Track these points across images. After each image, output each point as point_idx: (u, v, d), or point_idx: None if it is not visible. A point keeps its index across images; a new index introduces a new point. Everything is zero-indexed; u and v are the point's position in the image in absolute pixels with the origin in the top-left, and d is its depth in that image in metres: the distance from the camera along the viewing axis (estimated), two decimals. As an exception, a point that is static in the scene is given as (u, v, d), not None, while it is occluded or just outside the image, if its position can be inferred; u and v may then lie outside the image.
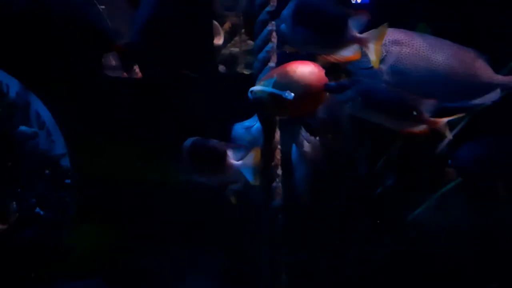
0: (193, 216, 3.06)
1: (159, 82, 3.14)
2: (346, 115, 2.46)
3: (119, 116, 3.14)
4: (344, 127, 2.53)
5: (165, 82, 3.12)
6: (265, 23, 2.42)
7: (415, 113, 2.15)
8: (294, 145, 2.69)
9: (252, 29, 2.45)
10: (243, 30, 3.35)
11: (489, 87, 2.26)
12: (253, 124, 2.67)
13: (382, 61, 2.24)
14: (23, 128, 2.96)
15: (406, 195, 2.71)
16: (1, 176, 2.89)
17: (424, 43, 2.25)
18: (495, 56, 2.30)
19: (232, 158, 2.42)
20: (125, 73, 3.28)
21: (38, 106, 3.07)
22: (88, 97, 3.11)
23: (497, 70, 2.30)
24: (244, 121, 2.71)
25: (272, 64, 2.43)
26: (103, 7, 3.23)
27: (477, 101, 2.26)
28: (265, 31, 2.43)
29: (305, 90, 2.24)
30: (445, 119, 2.16)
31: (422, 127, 2.19)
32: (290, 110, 2.32)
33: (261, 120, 2.48)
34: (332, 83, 2.26)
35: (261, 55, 2.44)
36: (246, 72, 3.30)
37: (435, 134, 2.19)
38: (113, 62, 3.31)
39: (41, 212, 2.92)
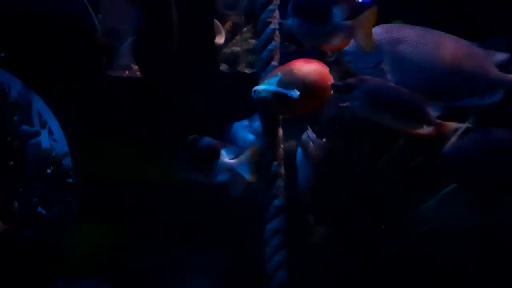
0: (193, 216, 3.05)
1: (158, 81, 3.14)
2: (351, 115, 2.45)
3: (121, 115, 3.14)
4: (348, 128, 2.53)
5: (164, 81, 3.12)
6: (267, 22, 2.42)
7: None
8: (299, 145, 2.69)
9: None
10: (244, 29, 3.35)
11: (494, 85, 2.24)
12: (253, 122, 2.67)
13: (384, 60, 2.24)
14: (25, 127, 2.95)
15: (408, 195, 2.71)
16: (3, 175, 2.88)
17: (427, 40, 2.24)
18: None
19: (227, 157, 2.43)
20: (126, 72, 3.28)
21: (40, 106, 3.06)
22: (90, 96, 3.11)
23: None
24: (244, 120, 2.70)
25: (275, 63, 2.43)
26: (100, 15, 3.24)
27: (481, 100, 2.25)
28: (268, 30, 2.43)
29: (310, 89, 2.23)
30: (454, 124, 2.16)
31: (428, 129, 2.18)
32: (295, 109, 2.31)
33: (264, 119, 2.48)
34: (339, 83, 2.26)
35: (264, 54, 2.44)
36: (247, 71, 3.29)
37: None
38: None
39: (43, 212, 2.91)
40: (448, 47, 2.23)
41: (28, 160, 2.91)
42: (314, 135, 2.61)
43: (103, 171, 3.17)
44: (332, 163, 2.66)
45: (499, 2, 2.66)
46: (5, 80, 3.00)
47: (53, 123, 3.07)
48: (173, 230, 3.09)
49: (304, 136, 2.64)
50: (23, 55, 3.09)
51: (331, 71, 2.32)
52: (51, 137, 3.06)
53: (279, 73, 2.30)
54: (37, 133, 2.98)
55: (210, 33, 3.25)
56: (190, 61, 3.12)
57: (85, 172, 3.09)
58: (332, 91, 2.27)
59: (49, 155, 2.98)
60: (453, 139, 2.20)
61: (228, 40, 3.36)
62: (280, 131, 2.50)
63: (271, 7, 2.41)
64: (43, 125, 3.05)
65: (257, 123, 2.64)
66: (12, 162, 2.89)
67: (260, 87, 2.32)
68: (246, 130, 2.70)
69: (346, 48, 2.25)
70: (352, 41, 2.22)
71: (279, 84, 2.26)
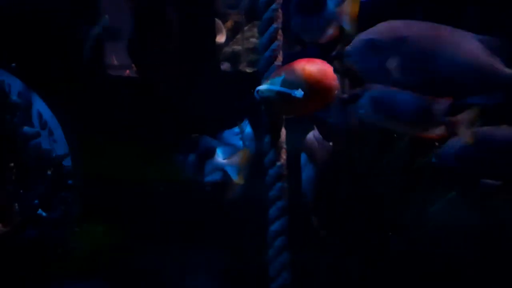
0: (193, 216, 3.05)
1: (154, 80, 3.14)
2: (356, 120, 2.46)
3: (122, 116, 3.13)
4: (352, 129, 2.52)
5: (161, 81, 3.12)
6: (270, 21, 2.40)
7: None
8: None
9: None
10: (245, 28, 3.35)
11: (503, 81, 2.20)
12: (243, 130, 2.66)
13: (388, 59, 2.21)
14: (25, 128, 2.94)
15: (409, 195, 2.70)
16: (4, 177, 2.87)
17: (432, 35, 2.20)
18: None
19: (220, 157, 2.44)
20: (127, 71, 3.28)
21: (40, 106, 3.05)
22: (90, 97, 3.10)
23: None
24: (234, 128, 2.69)
25: (278, 62, 2.41)
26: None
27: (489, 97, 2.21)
28: (270, 29, 2.40)
29: (314, 88, 2.21)
30: (463, 117, 2.13)
31: (440, 130, 2.16)
32: (298, 109, 2.29)
33: (267, 119, 2.46)
34: (345, 95, 2.27)
35: (267, 53, 2.42)
36: (248, 70, 3.29)
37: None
38: (115, 62, 3.30)
39: (44, 214, 2.90)
40: (454, 41, 2.20)
41: (28, 162, 2.90)
42: (320, 136, 2.59)
43: (103, 171, 3.16)
44: (336, 163, 2.65)
45: (499, 2, 2.65)
46: (5, 80, 2.99)
47: (54, 124, 3.06)
48: (173, 230, 3.08)
49: (309, 135, 2.62)
50: (23, 55, 3.09)
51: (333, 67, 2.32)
52: (51, 138, 3.06)
53: (282, 73, 2.28)
54: (38, 134, 2.97)
55: (211, 32, 3.24)
56: (191, 60, 3.11)
57: (85, 173, 3.08)
58: (336, 91, 2.26)
59: (50, 156, 2.97)
60: (469, 138, 2.17)
61: (229, 39, 3.35)
62: (284, 131, 2.48)
63: (274, 6, 2.39)
64: (43, 126, 3.05)
65: (248, 130, 2.64)
66: (12, 164, 2.88)
67: (263, 87, 2.30)
68: (237, 138, 2.69)
69: (348, 48, 2.24)
70: (353, 41, 2.23)
71: (283, 84, 2.24)
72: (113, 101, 3.12)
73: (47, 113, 3.06)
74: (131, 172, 3.20)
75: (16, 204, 2.86)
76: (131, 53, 3.20)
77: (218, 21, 3.31)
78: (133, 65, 3.26)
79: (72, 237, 3.02)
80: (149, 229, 3.14)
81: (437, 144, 2.41)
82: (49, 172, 2.93)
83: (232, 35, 3.38)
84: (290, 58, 2.37)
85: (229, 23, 3.37)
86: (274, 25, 2.40)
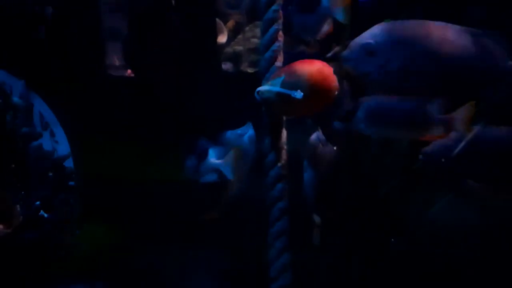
0: (193, 216, 3.05)
1: (150, 82, 3.15)
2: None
3: (123, 116, 3.13)
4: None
5: (157, 82, 3.12)
6: (271, 22, 2.40)
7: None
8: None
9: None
10: (246, 28, 3.34)
11: (506, 74, 2.17)
12: (246, 131, 2.66)
13: (386, 62, 2.21)
14: (26, 129, 2.94)
15: (410, 195, 2.70)
16: (5, 178, 2.87)
17: (428, 34, 2.19)
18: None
19: (213, 157, 2.49)
20: (129, 71, 3.28)
21: (42, 107, 3.06)
22: (92, 97, 3.10)
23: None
24: (237, 129, 2.69)
25: (278, 63, 2.41)
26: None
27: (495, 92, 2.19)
28: (271, 30, 2.41)
29: (314, 89, 2.22)
30: (459, 115, 2.12)
31: (439, 130, 2.16)
32: (298, 110, 2.30)
33: (268, 120, 2.47)
34: (340, 113, 2.28)
35: (267, 54, 2.42)
36: (250, 70, 3.29)
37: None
38: (117, 62, 3.30)
39: (45, 215, 2.90)
40: (451, 37, 2.18)
41: (29, 163, 2.90)
42: (324, 138, 2.59)
43: (104, 171, 3.16)
44: (339, 164, 2.65)
45: (499, 2, 2.64)
46: (7, 81, 2.99)
47: (55, 125, 3.06)
48: (174, 230, 3.09)
49: (313, 136, 2.63)
50: (24, 56, 3.09)
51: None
52: (53, 139, 3.06)
53: (282, 74, 2.28)
54: (39, 135, 2.97)
55: (213, 32, 3.24)
56: (192, 60, 3.12)
57: (87, 173, 3.08)
58: (336, 92, 2.26)
59: (51, 157, 2.97)
60: (469, 133, 2.16)
61: (230, 39, 3.35)
62: (284, 132, 2.49)
63: (274, 7, 2.39)
64: (45, 127, 3.05)
65: (251, 132, 2.64)
66: (13, 165, 2.88)
67: (264, 88, 2.31)
68: (240, 139, 2.68)
69: (345, 53, 2.25)
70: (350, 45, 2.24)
71: (283, 84, 2.25)
72: (114, 102, 3.12)
73: (48, 114, 3.06)
74: (132, 173, 3.20)
75: (18, 206, 2.86)
76: (127, 57, 3.21)
77: (219, 21, 3.31)
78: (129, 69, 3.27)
79: (73, 238, 3.02)
80: (150, 230, 3.14)
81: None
82: (50, 174, 2.94)
83: (233, 35, 3.37)
84: (291, 59, 2.37)
85: (231, 23, 3.37)
86: (275, 26, 2.40)
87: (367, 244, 2.77)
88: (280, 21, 2.40)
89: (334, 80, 2.25)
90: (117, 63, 3.30)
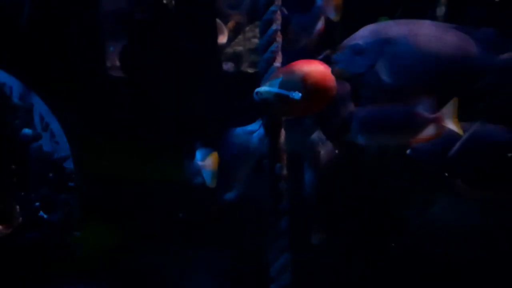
0: (194, 216, 3.05)
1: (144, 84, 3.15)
2: None
3: (123, 116, 3.14)
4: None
5: (159, 84, 3.13)
6: (269, 23, 2.41)
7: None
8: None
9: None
10: (247, 28, 3.35)
11: (484, 68, 2.17)
12: (256, 129, 2.65)
13: (376, 63, 2.21)
14: (26, 130, 2.94)
15: (410, 195, 2.70)
16: (5, 179, 2.88)
17: (414, 33, 2.19)
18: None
19: (199, 159, 2.52)
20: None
21: (42, 108, 3.06)
22: (92, 98, 3.11)
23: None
24: (247, 126, 2.69)
25: (277, 64, 2.41)
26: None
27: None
28: (270, 31, 2.41)
29: (312, 90, 2.21)
30: (446, 112, 2.12)
31: (431, 130, 2.16)
32: (297, 110, 2.30)
33: (266, 121, 2.47)
34: (335, 126, 2.29)
35: (266, 55, 2.42)
36: (250, 70, 3.29)
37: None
38: (117, 63, 3.30)
39: (45, 216, 2.91)
40: (439, 35, 2.18)
41: (29, 164, 2.91)
42: (324, 138, 2.59)
43: (104, 172, 3.17)
44: (339, 164, 2.65)
45: (499, 2, 2.64)
46: (7, 82, 3.00)
47: (55, 126, 3.07)
48: (174, 230, 3.09)
49: (313, 136, 2.63)
50: (24, 56, 3.10)
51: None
52: (53, 139, 3.06)
53: (280, 75, 2.28)
54: (39, 136, 2.97)
55: (213, 33, 3.24)
56: (193, 60, 3.12)
57: (87, 173, 3.09)
58: (334, 93, 2.26)
59: (51, 158, 2.97)
60: (459, 130, 2.16)
61: (230, 39, 3.35)
62: (283, 132, 2.49)
63: (273, 7, 2.39)
64: (45, 127, 3.05)
65: (260, 130, 2.64)
66: (14, 166, 2.89)
67: (262, 88, 2.31)
68: (249, 137, 2.67)
69: (335, 55, 2.25)
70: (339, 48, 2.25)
71: (281, 85, 2.25)
72: (114, 102, 3.12)
73: (48, 115, 3.07)
74: (132, 173, 3.21)
75: (18, 206, 2.86)
76: (126, 61, 3.23)
77: (220, 22, 3.31)
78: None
79: (73, 239, 3.03)
80: (150, 230, 3.15)
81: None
82: (50, 175, 2.94)
83: (234, 35, 3.38)
84: (289, 59, 2.37)
85: (231, 24, 3.37)
86: (273, 27, 2.40)
87: (367, 244, 2.77)
88: (279, 21, 2.40)
89: (332, 80, 2.25)
90: (117, 63, 3.30)
